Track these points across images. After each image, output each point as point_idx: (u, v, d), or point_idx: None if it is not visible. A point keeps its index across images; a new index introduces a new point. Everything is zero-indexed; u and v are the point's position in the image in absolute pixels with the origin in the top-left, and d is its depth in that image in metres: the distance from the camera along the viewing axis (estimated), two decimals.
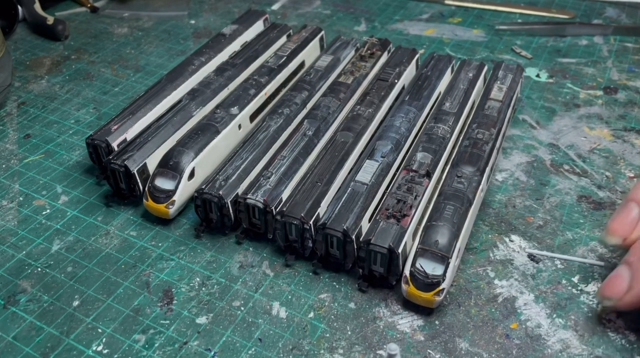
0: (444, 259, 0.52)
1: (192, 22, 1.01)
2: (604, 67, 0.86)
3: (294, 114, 0.68)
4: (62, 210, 0.64)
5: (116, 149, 0.64)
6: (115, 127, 0.66)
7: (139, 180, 0.62)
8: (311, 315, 0.53)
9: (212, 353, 0.50)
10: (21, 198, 0.65)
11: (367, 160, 0.61)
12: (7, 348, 0.51)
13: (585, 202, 0.64)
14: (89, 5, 1.04)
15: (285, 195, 0.58)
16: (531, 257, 0.58)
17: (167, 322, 0.53)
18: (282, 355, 0.50)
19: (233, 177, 0.59)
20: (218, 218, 0.59)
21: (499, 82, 0.73)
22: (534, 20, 1.00)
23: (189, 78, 0.75)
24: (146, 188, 0.61)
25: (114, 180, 0.63)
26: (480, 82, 0.75)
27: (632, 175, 0.68)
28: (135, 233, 0.61)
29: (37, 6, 0.97)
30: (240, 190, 0.59)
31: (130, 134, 0.66)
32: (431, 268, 0.52)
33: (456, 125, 0.66)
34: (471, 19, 1.00)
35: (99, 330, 0.52)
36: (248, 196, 0.57)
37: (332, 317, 0.53)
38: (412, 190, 0.57)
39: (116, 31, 0.98)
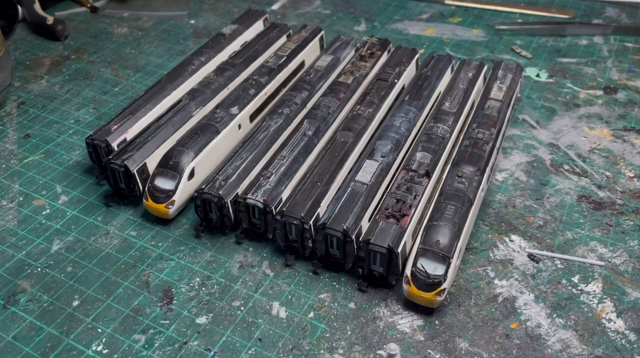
0: (445, 259, 0.52)
1: (192, 22, 1.01)
2: (604, 67, 0.86)
3: (294, 113, 0.68)
4: (62, 210, 0.64)
5: (116, 148, 0.64)
6: (115, 127, 0.66)
7: (138, 180, 0.62)
8: (311, 315, 0.53)
9: (212, 353, 0.50)
10: (21, 198, 0.65)
11: (367, 160, 0.61)
12: (7, 348, 0.51)
13: (585, 202, 0.64)
14: (88, 5, 1.04)
15: (285, 195, 0.58)
16: (531, 256, 0.58)
17: (167, 322, 0.53)
18: (282, 355, 0.50)
19: (233, 177, 0.59)
20: (218, 218, 0.59)
21: (498, 81, 0.73)
22: (534, 20, 1.00)
23: (189, 78, 0.74)
24: (146, 188, 0.61)
25: (113, 180, 0.63)
26: (480, 82, 0.75)
27: (632, 175, 0.68)
28: (135, 233, 0.61)
29: (37, 6, 0.97)
30: (240, 190, 0.59)
31: (130, 134, 0.66)
32: (432, 268, 0.52)
33: (456, 125, 0.66)
34: (471, 19, 1.00)
35: (99, 330, 0.52)
36: (248, 196, 0.57)
37: (332, 317, 0.53)
38: (411, 190, 0.57)
39: (116, 31, 0.98)
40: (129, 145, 0.63)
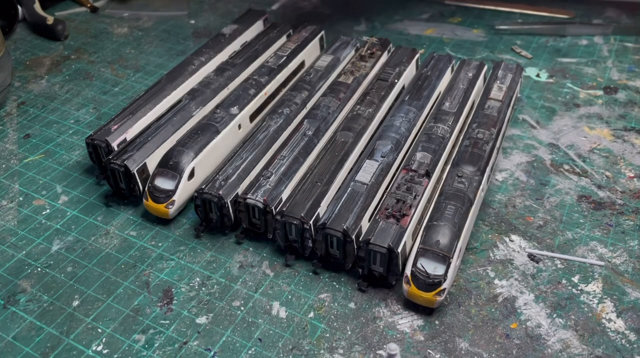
0: (445, 259, 0.52)
1: (192, 22, 1.01)
2: (604, 67, 0.86)
3: (294, 113, 0.68)
4: (62, 210, 0.64)
5: (116, 148, 0.64)
6: (115, 127, 0.66)
7: (138, 180, 0.62)
8: (311, 315, 0.53)
9: (212, 353, 0.50)
10: (21, 198, 0.65)
11: (367, 160, 0.61)
12: (7, 348, 0.51)
13: (585, 202, 0.64)
14: (89, 5, 1.04)
15: (285, 195, 0.58)
16: (531, 256, 0.58)
17: (167, 322, 0.53)
18: (282, 355, 0.50)
19: (233, 177, 0.59)
20: (218, 218, 0.59)
21: (498, 81, 0.73)
22: (534, 20, 1.00)
23: (189, 78, 0.74)
24: (146, 188, 0.61)
25: (113, 180, 0.63)
26: (480, 82, 0.75)
27: (632, 175, 0.68)
28: (135, 233, 0.61)
29: (37, 6, 0.97)
30: (240, 190, 0.59)
31: (130, 134, 0.66)
32: (432, 268, 0.52)
33: (456, 125, 0.66)
34: (471, 19, 1.00)
35: (99, 330, 0.52)
36: (248, 196, 0.57)
37: (332, 317, 0.53)
38: (411, 190, 0.57)
39: (116, 31, 0.98)
40: (129, 145, 0.63)
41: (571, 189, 0.66)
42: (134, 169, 0.61)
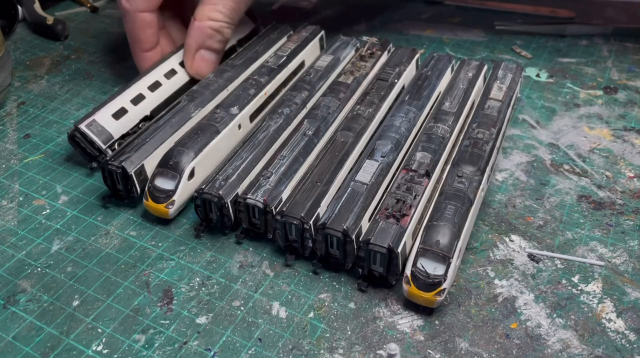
0: (445, 259, 0.52)
1: None
2: (604, 67, 0.86)
3: (294, 113, 0.68)
4: (62, 210, 0.64)
5: (85, 129, 0.65)
6: (86, 115, 0.67)
7: (136, 182, 0.62)
8: (311, 315, 0.53)
9: (212, 353, 0.50)
10: (21, 198, 0.65)
11: (367, 160, 0.61)
12: (7, 348, 0.51)
13: (585, 202, 0.64)
14: (89, 5, 1.04)
15: (285, 195, 0.58)
16: (531, 256, 0.58)
17: (167, 322, 0.53)
18: (282, 355, 0.50)
19: (233, 177, 0.59)
20: (218, 218, 0.59)
21: (498, 81, 0.73)
22: (534, 20, 1.00)
23: (164, 61, 0.75)
24: (146, 188, 0.61)
25: (111, 182, 0.63)
26: (480, 82, 0.75)
27: (632, 175, 0.68)
28: (135, 233, 0.61)
29: (37, 6, 0.97)
30: (240, 190, 0.59)
31: (98, 116, 0.67)
32: (432, 268, 0.52)
33: (455, 125, 0.66)
34: (471, 19, 1.00)
35: (99, 330, 0.52)
36: (248, 196, 0.57)
37: (332, 317, 0.53)
38: (411, 190, 0.57)
39: (116, 31, 0.98)
40: (127, 146, 0.63)
41: (571, 189, 0.66)
42: (132, 171, 0.61)
